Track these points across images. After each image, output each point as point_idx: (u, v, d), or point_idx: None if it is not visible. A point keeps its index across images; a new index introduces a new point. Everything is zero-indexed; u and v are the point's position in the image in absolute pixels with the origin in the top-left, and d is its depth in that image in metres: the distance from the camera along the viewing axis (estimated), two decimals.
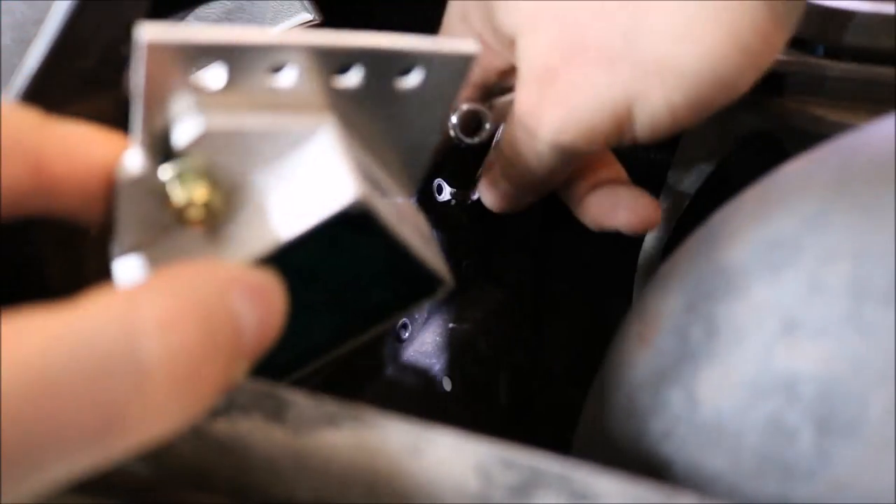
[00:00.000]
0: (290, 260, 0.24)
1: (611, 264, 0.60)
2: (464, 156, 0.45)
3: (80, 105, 0.31)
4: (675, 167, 0.47)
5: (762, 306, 0.26)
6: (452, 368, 0.58)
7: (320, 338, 0.29)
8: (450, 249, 0.59)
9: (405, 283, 0.28)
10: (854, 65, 0.41)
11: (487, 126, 0.40)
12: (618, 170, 0.41)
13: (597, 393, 0.32)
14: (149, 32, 0.21)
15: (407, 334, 0.56)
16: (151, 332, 0.18)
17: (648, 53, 0.33)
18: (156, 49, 0.22)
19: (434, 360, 0.57)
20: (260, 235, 0.24)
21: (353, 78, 0.25)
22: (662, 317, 0.29)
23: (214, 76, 0.23)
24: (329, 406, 0.24)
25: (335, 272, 0.27)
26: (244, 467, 0.23)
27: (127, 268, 0.25)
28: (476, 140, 0.40)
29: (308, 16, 0.46)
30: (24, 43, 0.35)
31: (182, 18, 0.44)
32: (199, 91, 0.23)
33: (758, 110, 0.43)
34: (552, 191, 0.41)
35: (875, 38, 0.41)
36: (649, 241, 0.48)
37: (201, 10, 0.46)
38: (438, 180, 0.54)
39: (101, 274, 0.28)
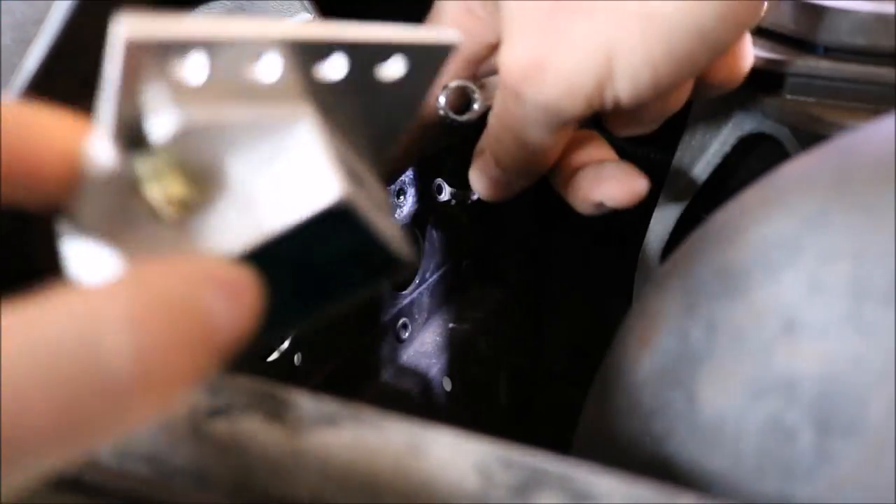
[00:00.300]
0: (264, 251, 0.24)
1: (611, 264, 0.60)
2: (464, 156, 0.45)
3: (80, 105, 0.31)
4: (675, 167, 0.47)
5: (762, 306, 0.26)
6: (452, 368, 0.58)
7: (282, 318, 0.28)
8: (450, 249, 0.59)
9: (369, 264, 0.27)
10: (854, 65, 0.41)
11: (477, 105, 0.40)
12: (606, 151, 0.40)
13: (597, 393, 0.32)
14: (128, 28, 0.21)
15: (407, 334, 0.56)
16: (118, 330, 0.18)
17: (629, 5, 0.33)
18: (134, 45, 0.21)
19: (434, 360, 0.57)
20: (238, 230, 0.23)
21: (334, 69, 0.25)
22: (662, 317, 0.29)
23: (192, 67, 0.23)
24: (329, 406, 0.24)
25: (303, 257, 0.26)
26: (244, 467, 0.23)
27: (93, 261, 0.24)
28: (466, 118, 0.40)
29: (308, 16, 0.46)
30: (24, 43, 0.35)
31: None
32: (175, 83, 0.23)
33: (758, 110, 0.43)
34: (542, 174, 0.41)
35: (875, 38, 0.41)
36: (649, 241, 0.48)
37: (201, 10, 0.46)
38: (438, 180, 0.54)
39: None
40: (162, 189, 0.23)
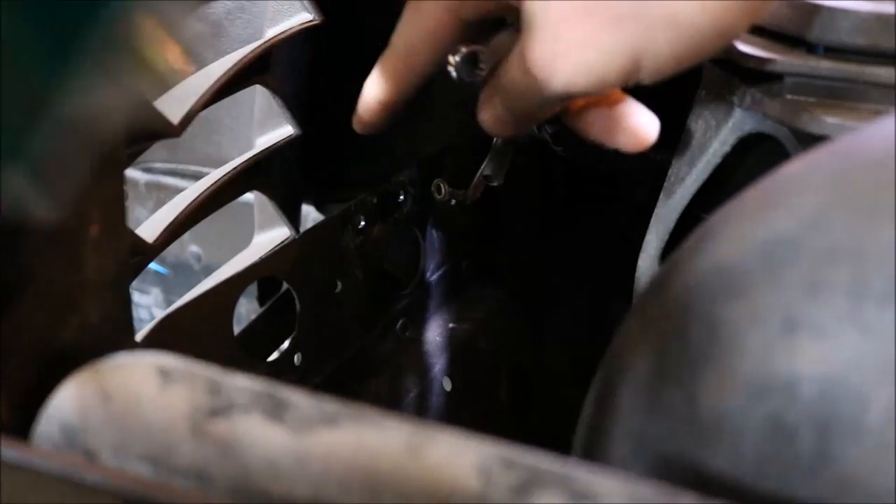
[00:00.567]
0: None
1: (611, 264, 0.60)
2: (464, 156, 0.45)
3: None
4: (675, 167, 0.47)
5: (762, 306, 0.26)
6: (452, 368, 0.58)
7: None
8: (450, 249, 0.59)
9: None
10: (854, 65, 0.41)
11: (483, 65, 0.42)
12: (617, 91, 0.42)
13: (597, 393, 0.32)
14: None
15: (407, 334, 0.56)
16: None
17: (655, 10, 0.35)
18: None
19: (434, 360, 0.57)
20: None
21: None
22: (662, 317, 0.29)
23: None
24: (329, 406, 0.24)
25: None
26: (244, 467, 0.23)
27: None
28: (476, 79, 0.42)
29: (308, 16, 0.46)
30: None
31: (186, 14, 0.44)
32: None
33: (758, 110, 0.43)
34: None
35: (875, 38, 0.41)
36: (649, 241, 0.48)
37: (202, 10, 0.46)
38: (438, 180, 0.54)
39: (101, 274, 0.28)
40: None
